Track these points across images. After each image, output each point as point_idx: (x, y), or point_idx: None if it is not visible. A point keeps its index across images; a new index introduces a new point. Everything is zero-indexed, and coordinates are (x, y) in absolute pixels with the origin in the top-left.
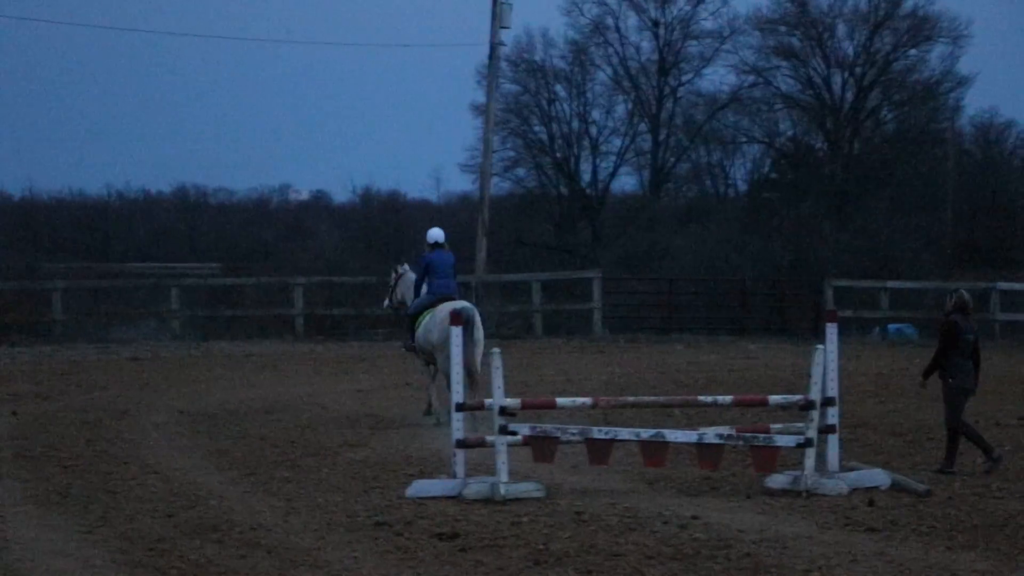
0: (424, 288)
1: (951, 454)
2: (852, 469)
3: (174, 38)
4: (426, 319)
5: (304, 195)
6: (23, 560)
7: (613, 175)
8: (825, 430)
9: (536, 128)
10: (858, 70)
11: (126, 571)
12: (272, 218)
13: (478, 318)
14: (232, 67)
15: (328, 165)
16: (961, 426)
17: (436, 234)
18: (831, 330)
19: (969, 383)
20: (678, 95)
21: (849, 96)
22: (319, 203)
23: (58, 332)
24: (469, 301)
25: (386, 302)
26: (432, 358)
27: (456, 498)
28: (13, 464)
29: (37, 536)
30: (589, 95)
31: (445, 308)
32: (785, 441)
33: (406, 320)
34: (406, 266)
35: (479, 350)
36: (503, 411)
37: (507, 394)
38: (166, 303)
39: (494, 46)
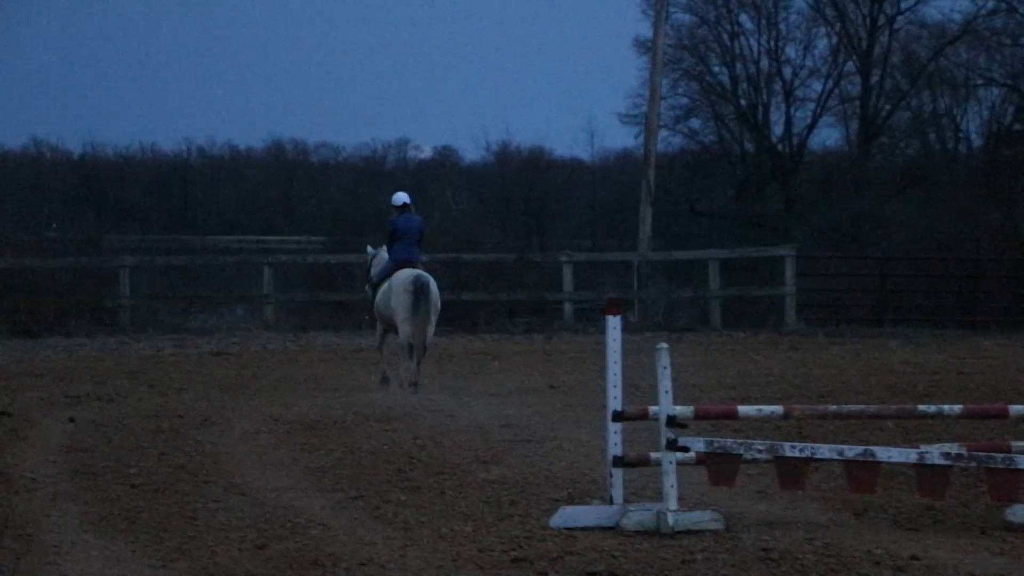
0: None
1: None
2: None
3: None
4: (384, 286)
5: (427, 152)
6: None
7: (812, 127)
8: None
9: (715, 69)
10: None
11: None
12: (387, 180)
13: (434, 286)
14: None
15: (456, 116)
16: None
17: (402, 196)
18: None
19: None
20: (895, 26)
21: None
22: (445, 162)
23: (126, 320)
24: (630, 283)
25: (367, 288)
26: (389, 326)
27: (613, 529)
28: (71, 483)
29: (100, 571)
30: (783, 27)
31: (400, 276)
32: None
33: (372, 289)
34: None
35: (433, 318)
36: (672, 422)
37: (677, 400)
38: (257, 285)
39: None
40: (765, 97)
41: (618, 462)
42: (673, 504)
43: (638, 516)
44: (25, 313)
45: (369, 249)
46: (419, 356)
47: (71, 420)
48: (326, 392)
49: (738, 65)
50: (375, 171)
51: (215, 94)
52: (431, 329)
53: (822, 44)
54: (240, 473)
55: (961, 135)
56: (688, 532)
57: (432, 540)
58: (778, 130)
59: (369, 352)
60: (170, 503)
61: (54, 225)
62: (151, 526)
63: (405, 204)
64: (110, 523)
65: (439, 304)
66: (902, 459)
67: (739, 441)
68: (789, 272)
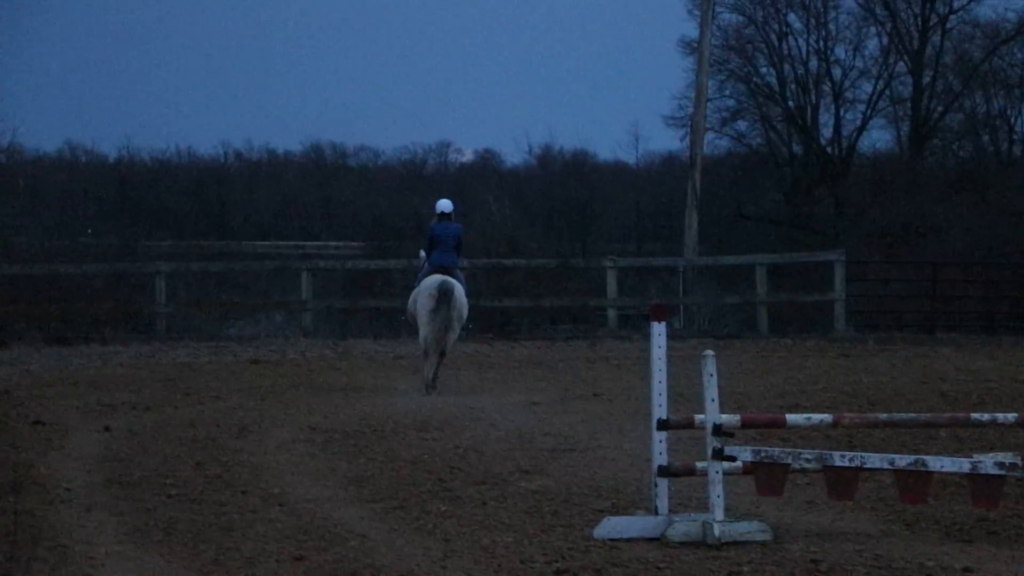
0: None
1: None
2: None
3: None
4: (415, 290)
5: (468, 156)
6: None
7: (862, 129)
8: None
9: (763, 70)
10: None
11: None
12: (427, 184)
13: (457, 292)
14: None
15: (498, 119)
16: None
17: (444, 204)
18: None
19: None
20: (948, 25)
21: None
22: (486, 166)
23: (161, 327)
24: (676, 289)
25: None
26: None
27: (658, 540)
28: (106, 492)
29: None
30: (832, 27)
31: (427, 281)
32: None
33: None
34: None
35: (456, 325)
36: (718, 430)
37: (723, 409)
38: (295, 292)
39: None
40: (814, 98)
41: (663, 472)
42: (720, 515)
43: (684, 527)
44: (59, 320)
45: (422, 253)
46: (437, 360)
47: (106, 429)
48: (365, 400)
49: (786, 66)
50: (415, 175)
51: (252, 97)
52: (452, 335)
53: (872, 44)
54: (278, 483)
55: (1016, 137)
56: (735, 543)
57: (473, 551)
58: (827, 132)
59: (409, 360)
60: (207, 514)
61: (89, 231)
62: (187, 537)
63: (443, 213)
64: (146, 534)
65: (464, 312)
66: (955, 469)
67: (787, 450)
68: (838, 277)
